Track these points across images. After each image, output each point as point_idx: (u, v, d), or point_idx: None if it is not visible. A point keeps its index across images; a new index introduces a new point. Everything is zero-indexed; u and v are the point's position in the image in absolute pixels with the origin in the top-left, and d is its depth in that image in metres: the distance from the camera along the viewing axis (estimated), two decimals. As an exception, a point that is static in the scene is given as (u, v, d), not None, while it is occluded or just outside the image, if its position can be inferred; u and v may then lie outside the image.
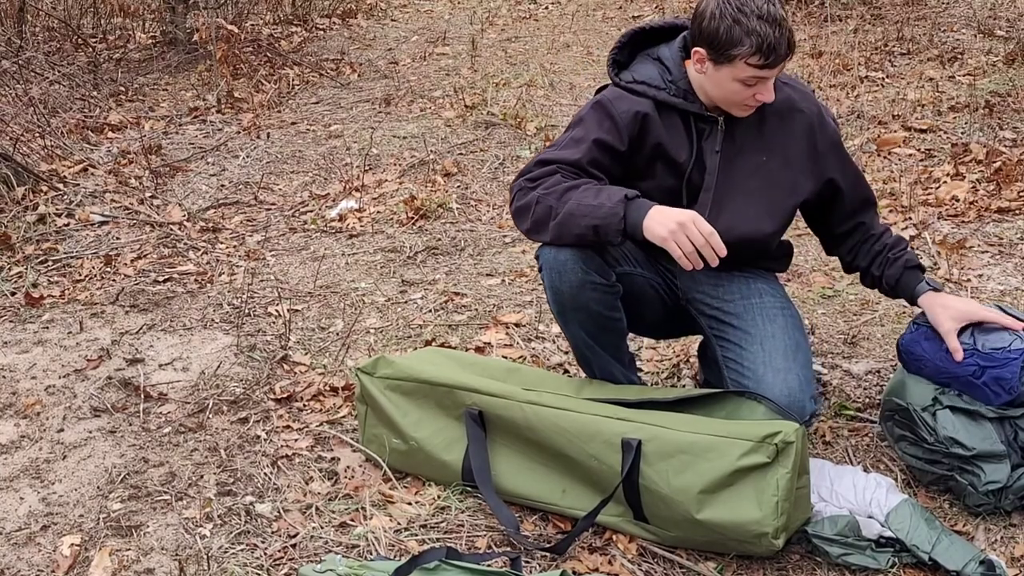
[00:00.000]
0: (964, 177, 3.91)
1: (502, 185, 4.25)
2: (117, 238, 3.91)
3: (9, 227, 3.87)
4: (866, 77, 5.33)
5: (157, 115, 5.56)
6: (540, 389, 2.27)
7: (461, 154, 4.66)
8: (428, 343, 2.99)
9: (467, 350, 2.93)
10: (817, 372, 2.70)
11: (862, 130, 4.55)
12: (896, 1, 6.78)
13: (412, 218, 3.99)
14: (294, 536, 2.18)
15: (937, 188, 3.86)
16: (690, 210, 2.07)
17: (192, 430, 2.61)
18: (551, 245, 2.17)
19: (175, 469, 2.45)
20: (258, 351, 2.99)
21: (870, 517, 2.10)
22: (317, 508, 2.26)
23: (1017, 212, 3.62)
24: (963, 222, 3.60)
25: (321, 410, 2.67)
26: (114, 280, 3.55)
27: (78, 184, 4.35)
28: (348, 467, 2.40)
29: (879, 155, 4.26)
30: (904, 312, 3.04)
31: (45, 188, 4.22)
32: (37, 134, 4.77)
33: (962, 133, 4.35)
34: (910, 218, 3.65)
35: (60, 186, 4.28)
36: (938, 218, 3.64)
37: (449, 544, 2.11)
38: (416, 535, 2.16)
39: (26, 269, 3.60)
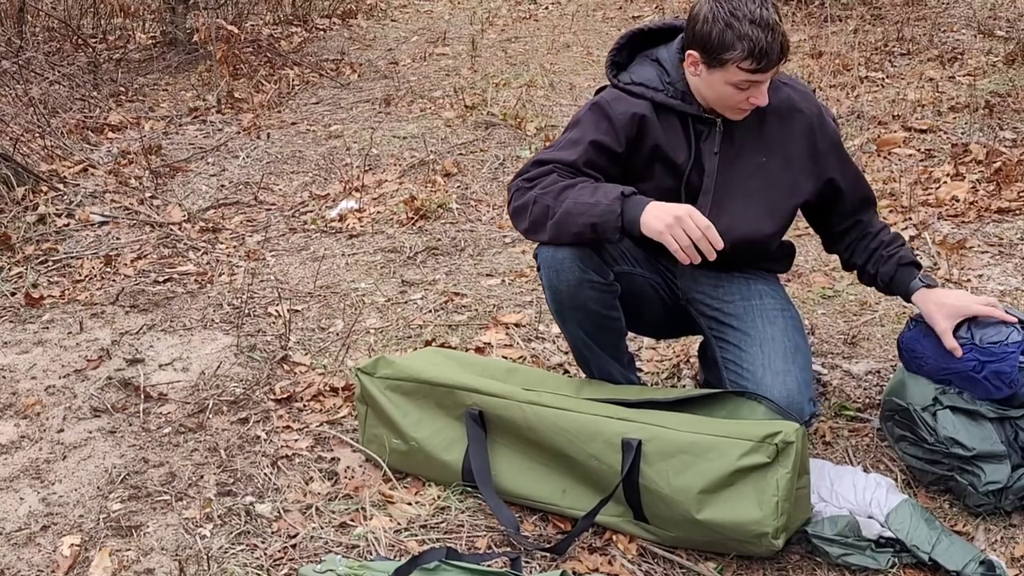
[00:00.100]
0: (964, 177, 3.91)
1: (502, 185, 4.25)
2: (117, 238, 3.91)
3: (9, 227, 3.87)
4: (866, 77, 5.33)
5: (157, 115, 5.56)
6: (540, 389, 2.27)
7: (461, 154, 4.67)
8: (428, 343, 2.99)
9: (467, 350, 2.93)
10: (817, 372, 2.70)
11: (862, 130, 4.55)
12: (896, 1, 6.78)
13: (412, 218, 3.99)
14: (294, 536, 2.18)
15: (937, 188, 3.86)
16: (687, 205, 2.07)
17: (192, 430, 2.61)
18: (549, 244, 2.17)
19: (175, 469, 2.45)
20: (258, 351, 2.99)
21: (870, 517, 2.10)
22: (317, 508, 2.26)
23: (1017, 212, 3.62)
24: (963, 222, 3.60)
25: (321, 410, 2.67)
26: (114, 280, 3.55)
27: (78, 184, 4.35)
28: (348, 467, 2.40)
29: (879, 155, 4.26)
30: (904, 312, 3.04)
31: (45, 188, 4.22)
32: (37, 134, 4.77)
33: (962, 133, 4.35)
34: (910, 218, 3.65)
35: (60, 186, 4.28)
36: (938, 218, 3.64)
37: (449, 544, 2.11)
38: (416, 535, 2.16)
39: (26, 269, 3.60)
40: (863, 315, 3.06)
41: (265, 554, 2.13)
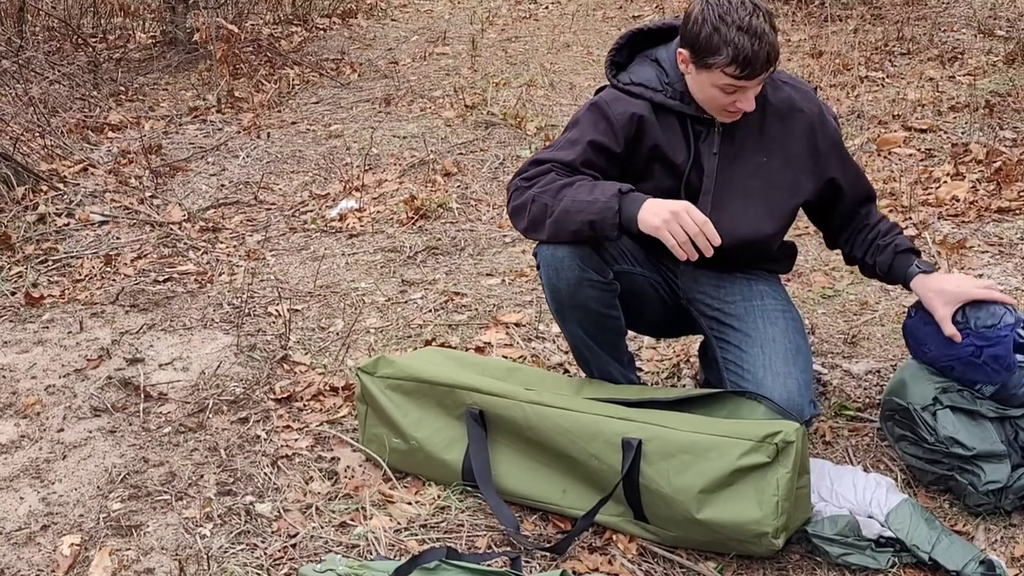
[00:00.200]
0: (964, 177, 3.91)
1: (502, 185, 4.25)
2: (117, 238, 3.91)
3: (9, 227, 3.87)
4: (866, 77, 5.33)
5: (157, 115, 5.56)
6: (540, 389, 2.27)
7: (461, 154, 4.66)
8: (428, 343, 2.99)
9: (467, 350, 2.93)
10: (817, 372, 2.70)
11: (862, 130, 4.55)
12: (896, 1, 6.78)
13: (412, 218, 3.99)
14: (294, 536, 2.18)
15: (937, 188, 3.86)
16: (684, 201, 2.07)
17: (192, 430, 2.61)
18: (548, 243, 2.18)
19: (175, 469, 2.45)
20: (258, 351, 2.99)
21: (870, 517, 2.10)
22: (317, 508, 2.26)
23: (1017, 212, 3.62)
24: (963, 222, 3.60)
25: (321, 410, 2.67)
26: (114, 280, 3.55)
27: (78, 184, 4.35)
28: (348, 467, 2.40)
29: (879, 155, 4.26)
30: (904, 312, 3.04)
31: (45, 188, 4.22)
32: (37, 134, 4.77)
33: (962, 133, 4.35)
34: (910, 218, 3.65)
35: (60, 186, 4.28)
36: (938, 218, 3.64)
37: (449, 544, 2.11)
38: (416, 535, 2.16)
39: (26, 269, 3.60)
40: (863, 315, 3.06)
41: (265, 554, 2.13)
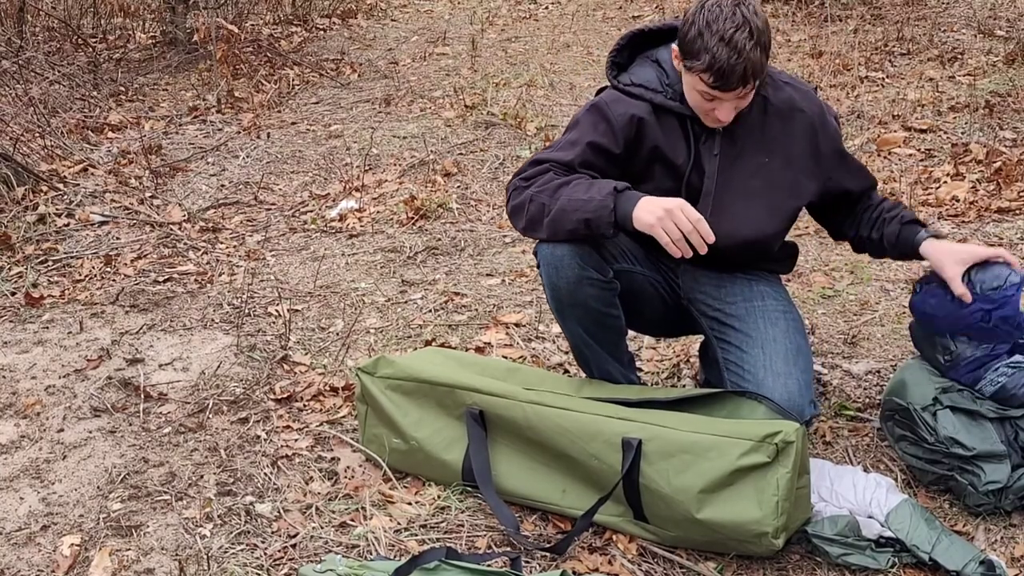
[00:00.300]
0: (964, 177, 3.91)
1: (502, 185, 4.25)
2: (117, 238, 3.91)
3: (9, 227, 3.87)
4: (866, 77, 5.33)
5: (157, 115, 5.56)
6: (540, 389, 2.27)
7: (461, 154, 4.67)
8: (428, 343, 2.99)
9: (467, 350, 2.93)
10: (817, 372, 2.70)
11: (862, 130, 4.55)
12: (896, 1, 6.78)
13: (412, 218, 3.99)
14: (294, 536, 2.18)
15: (937, 188, 3.86)
16: (679, 199, 2.07)
17: (192, 430, 2.61)
18: (548, 242, 2.18)
19: (175, 469, 2.45)
20: (258, 351, 2.99)
21: (870, 517, 2.10)
22: (317, 508, 2.26)
23: (1017, 212, 3.62)
24: (963, 222, 3.60)
25: (321, 410, 2.67)
26: (114, 280, 3.55)
27: (78, 184, 4.35)
28: (348, 467, 2.40)
29: (879, 155, 4.27)
30: (904, 312, 3.04)
31: (45, 188, 4.22)
32: (37, 134, 4.77)
33: (962, 133, 4.36)
34: (910, 218, 3.65)
35: (60, 186, 4.28)
36: (938, 218, 3.64)
37: (449, 544, 2.11)
38: (416, 535, 2.16)
39: (26, 269, 3.60)
40: (863, 315, 3.06)
41: (265, 554, 2.13)
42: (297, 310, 3.28)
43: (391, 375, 2.37)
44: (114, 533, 2.23)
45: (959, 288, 2.16)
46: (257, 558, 2.12)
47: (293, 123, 5.36)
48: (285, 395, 2.74)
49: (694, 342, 2.81)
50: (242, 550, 2.15)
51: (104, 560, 2.13)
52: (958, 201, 3.72)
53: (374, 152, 4.76)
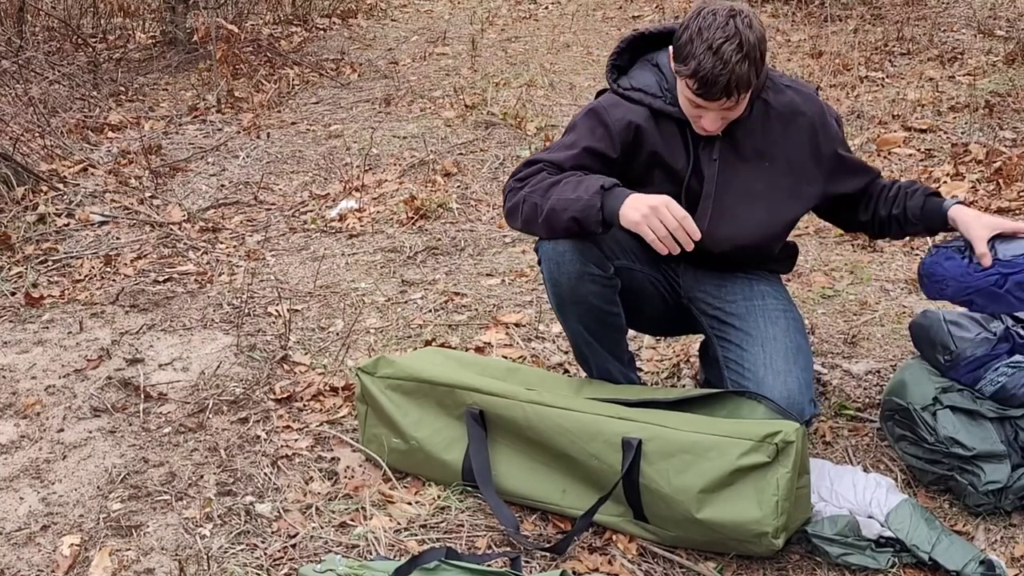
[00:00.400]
0: (964, 177, 3.91)
1: (502, 185, 4.24)
2: (117, 238, 3.91)
3: (9, 227, 3.87)
4: (866, 77, 5.33)
5: (157, 115, 5.56)
6: (540, 389, 2.27)
7: (461, 154, 4.67)
8: (428, 343, 2.99)
9: (467, 350, 2.93)
10: (817, 372, 2.70)
11: (862, 130, 4.55)
12: (896, 1, 6.78)
13: (412, 218, 3.99)
14: (294, 536, 2.18)
15: (937, 188, 3.85)
16: (664, 195, 2.06)
17: (192, 430, 2.61)
18: (548, 239, 2.19)
19: (175, 469, 2.45)
20: (258, 351, 2.99)
21: (870, 517, 2.10)
22: (317, 508, 2.26)
23: (1017, 212, 3.62)
24: (963, 222, 3.60)
25: (321, 410, 2.67)
26: (114, 280, 3.55)
27: (78, 184, 4.35)
28: (348, 467, 2.40)
29: (879, 155, 4.27)
30: (904, 312, 3.04)
31: (45, 188, 4.22)
32: (37, 134, 4.77)
33: (962, 133, 4.36)
34: (910, 218, 3.64)
35: (60, 186, 4.28)
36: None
37: (449, 544, 2.11)
38: (416, 535, 2.16)
39: (26, 269, 3.60)
40: (863, 315, 3.06)
41: (265, 554, 2.13)
42: (297, 310, 3.28)
43: (391, 375, 2.37)
44: (114, 533, 2.23)
45: (982, 247, 2.15)
46: (257, 558, 2.12)
47: (293, 123, 5.36)
48: (285, 395, 2.74)
49: (694, 342, 2.81)
50: (242, 550, 2.15)
51: (104, 560, 2.13)
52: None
53: (374, 152, 4.76)
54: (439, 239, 3.80)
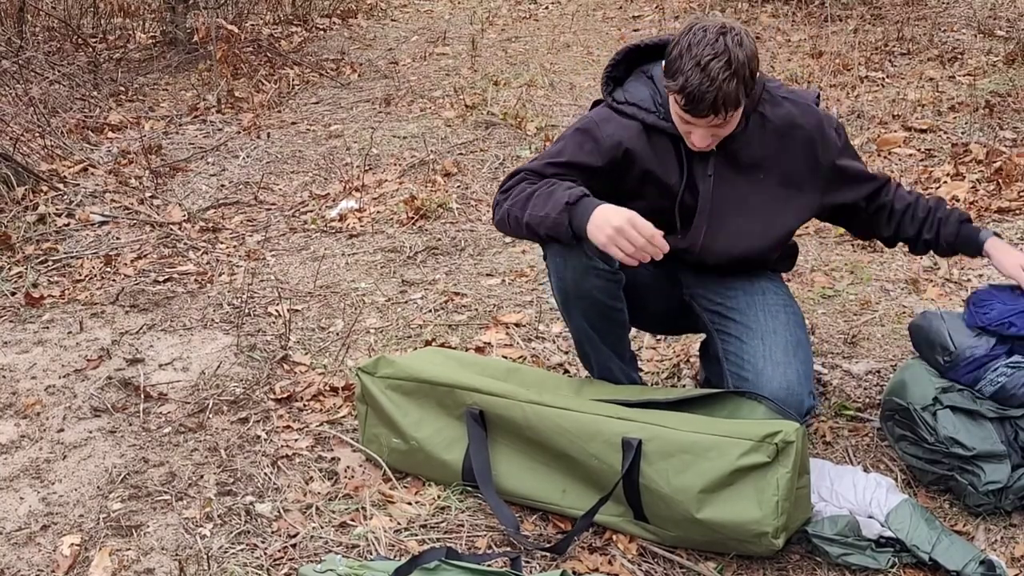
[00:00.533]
0: (964, 177, 3.91)
1: (502, 185, 4.25)
2: (117, 238, 3.91)
3: (9, 227, 3.87)
4: (866, 77, 5.32)
5: (157, 115, 5.56)
6: (540, 389, 2.27)
7: (461, 154, 4.66)
8: (428, 343, 2.99)
9: (467, 350, 2.93)
10: (817, 372, 2.70)
11: (862, 130, 4.55)
12: (896, 1, 6.78)
13: (412, 218, 3.99)
14: (294, 536, 2.18)
15: (937, 188, 3.86)
16: (628, 211, 2.03)
17: (192, 430, 2.61)
18: None
19: (175, 469, 2.45)
20: (258, 351, 2.99)
21: (870, 517, 2.10)
22: (317, 508, 2.26)
23: (1017, 212, 3.62)
24: (963, 222, 3.60)
25: (321, 410, 2.67)
26: (114, 280, 3.55)
27: (78, 184, 4.35)
28: (348, 467, 2.40)
29: (879, 155, 4.26)
30: (904, 312, 3.04)
31: (45, 188, 4.22)
32: (37, 134, 4.77)
33: (962, 133, 4.35)
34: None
35: (60, 186, 4.28)
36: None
37: (449, 544, 2.11)
38: (416, 535, 2.16)
39: (26, 269, 3.60)
40: (863, 315, 3.06)
41: (265, 554, 2.13)
42: (297, 310, 3.28)
43: (391, 375, 2.37)
44: (114, 533, 2.23)
45: (1021, 276, 2.24)
46: (257, 558, 2.12)
47: (293, 123, 5.36)
48: (285, 395, 2.74)
49: (694, 342, 2.81)
50: (242, 550, 2.15)
51: (104, 560, 2.13)
52: (958, 201, 3.72)
53: (374, 152, 4.76)
54: (439, 239, 3.80)
